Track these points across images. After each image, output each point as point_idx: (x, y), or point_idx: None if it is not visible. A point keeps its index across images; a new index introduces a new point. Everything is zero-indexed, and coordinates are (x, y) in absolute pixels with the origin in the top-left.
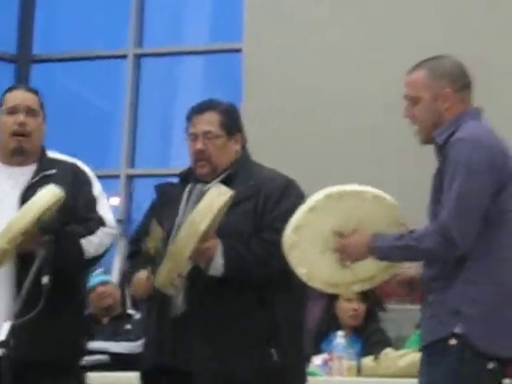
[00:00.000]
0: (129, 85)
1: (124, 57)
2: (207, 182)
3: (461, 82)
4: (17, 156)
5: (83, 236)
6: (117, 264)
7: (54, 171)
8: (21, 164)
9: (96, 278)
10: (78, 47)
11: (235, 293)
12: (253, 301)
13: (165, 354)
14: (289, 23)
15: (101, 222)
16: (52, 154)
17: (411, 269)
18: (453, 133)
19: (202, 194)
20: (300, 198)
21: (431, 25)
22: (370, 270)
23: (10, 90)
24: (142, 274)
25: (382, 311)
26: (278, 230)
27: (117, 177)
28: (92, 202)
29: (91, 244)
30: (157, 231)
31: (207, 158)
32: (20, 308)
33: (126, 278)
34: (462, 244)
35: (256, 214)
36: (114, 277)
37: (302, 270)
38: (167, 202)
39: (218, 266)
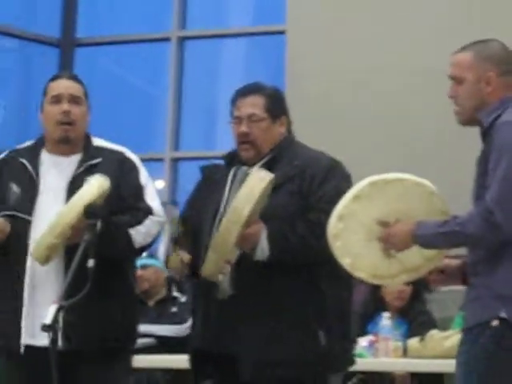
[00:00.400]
0: (172, 68)
1: (167, 39)
2: (252, 165)
3: (505, 66)
4: (62, 145)
5: (131, 226)
6: (162, 247)
7: (99, 160)
8: (66, 153)
9: (138, 261)
10: (121, 31)
11: (282, 275)
12: (299, 283)
13: (211, 338)
14: (332, 6)
15: (148, 211)
16: (98, 141)
17: (455, 260)
18: (498, 116)
19: (245, 177)
20: (346, 178)
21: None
22: (415, 260)
23: (53, 78)
24: (176, 257)
25: (427, 292)
26: (324, 211)
27: (162, 160)
28: (139, 190)
29: (139, 233)
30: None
31: (251, 141)
32: (66, 291)
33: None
34: (507, 227)
35: (301, 194)
36: (160, 259)
37: (346, 260)
38: (212, 184)
39: (263, 250)
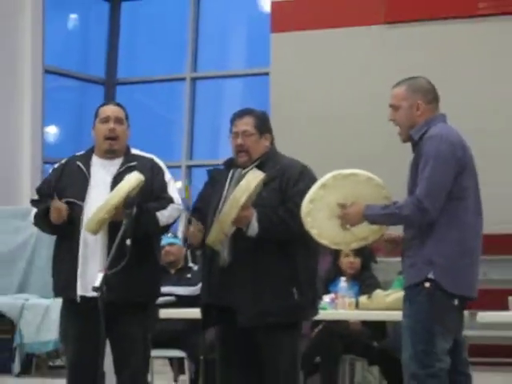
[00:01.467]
0: (187, 100)
1: (183, 79)
2: (245, 168)
3: (430, 95)
4: (108, 154)
5: (158, 210)
6: (180, 230)
7: (135, 163)
8: (111, 158)
9: (165, 239)
10: (149, 72)
11: (266, 248)
12: (280, 254)
13: (214, 295)
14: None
15: (171, 200)
16: (135, 151)
17: (395, 232)
18: (425, 132)
19: (241, 177)
20: (312, 179)
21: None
22: (364, 232)
23: (102, 105)
24: (194, 227)
25: (373, 262)
26: (297, 203)
27: (179, 167)
28: (164, 185)
29: (163, 216)
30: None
31: (245, 150)
32: (110, 262)
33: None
34: (433, 212)
35: (281, 190)
36: (179, 238)
37: (314, 231)
38: (216, 183)
39: (254, 228)
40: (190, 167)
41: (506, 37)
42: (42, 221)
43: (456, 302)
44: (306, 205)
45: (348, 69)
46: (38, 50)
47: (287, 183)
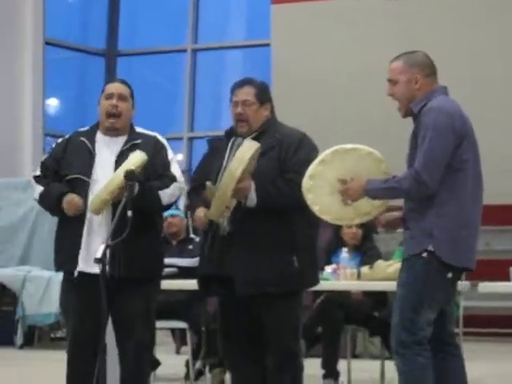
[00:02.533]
0: (188, 71)
1: (184, 51)
2: (245, 137)
3: (428, 69)
4: (111, 131)
5: (161, 189)
6: (182, 202)
7: (139, 141)
8: (115, 135)
9: (168, 211)
10: (151, 44)
11: (266, 218)
12: (279, 223)
13: (214, 264)
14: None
15: (173, 179)
16: (139, 129)
17: (395, 213)
18: (425, 104)
19: (239, 146)
20: (313, 148)
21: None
22: (366, 207)
23: (109, 81)
24: (200, 212)
25: (374, 233)
26: (296, 172)
27: (181, 139)
28: (167, 164)
29: (166, 195)
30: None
31: (245, 119)
32: (112, 234)
33: (189, 211)
34: (431, 185)
35: (279, 159)
36: (181, 210)
37: (315, 207)
38: (216, 152)
39: (252, 199)
40: (191, 139)
41: None
42: (53, 206)
43: (449, 275)
44: (306, 181)
45: (348, 39)
46: (39, 22)
47: (286, 152)
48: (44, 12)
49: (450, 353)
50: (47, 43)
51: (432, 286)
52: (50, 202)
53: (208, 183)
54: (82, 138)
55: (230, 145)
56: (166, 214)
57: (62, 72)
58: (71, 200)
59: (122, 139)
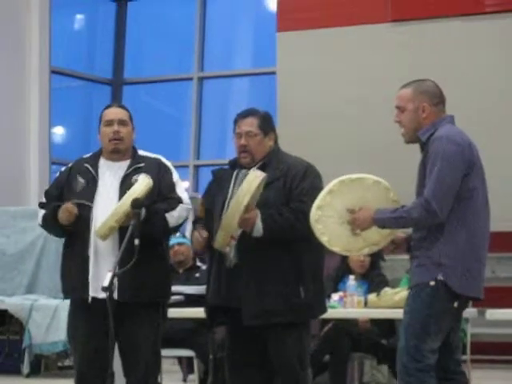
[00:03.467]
0: (194, 99)
1: (190, 79)
2: (249, 169)
3: (437, 98)
4: (114, 154)
5: (167, 211)
6: (188, 230)
7: (143, 164)
8: (118, 160)
9: (175, 239)
10: (157, 72)
11: (271, 248)
12: (285, 253)
13: (221, 295)
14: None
15: (179, 201)
16: (142, 152)
17: (400, 234)
18: (432, 133)
19: (244, 177)
20: (318, 177)
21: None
22: (374, 237)
23: (106, 107)
24: (197, 234)
25: (382, 260)
26: (302, 201)
27: (187, 166)
28: (172, 186)
29: (173, 217)
30: (200, 201)
31: (249, 151)
32: (119, 262)
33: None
34: (441, 213)
35: (285, 189)
36: (188, 238)
37: (324, 238)
38: (220, 182)
39: (258, 229)
40: (197, 167)
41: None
42: (51, 222)
43: (456, 304)
44: (314, 212)
45: (354, 67)
46: (45, 51)
47: (292, 182)
48: (50, 41)
49: (457, 380)
50: (53, 72)
51: (438, 314)
52: (49, 220)
53: (199, 200)
54: (86, 164)
55: (234, 176)
56: (172, 242)
57: (67, 101)
58: (65, 207)
59: (125, 163)
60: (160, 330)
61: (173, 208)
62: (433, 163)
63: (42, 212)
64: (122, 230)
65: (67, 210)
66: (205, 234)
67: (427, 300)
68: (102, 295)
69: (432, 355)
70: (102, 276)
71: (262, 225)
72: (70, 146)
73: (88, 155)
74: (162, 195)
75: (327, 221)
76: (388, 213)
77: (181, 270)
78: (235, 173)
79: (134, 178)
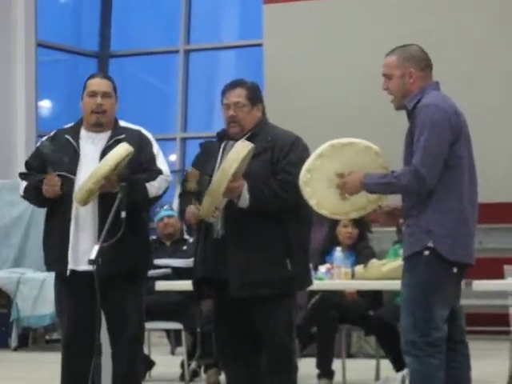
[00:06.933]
0: (181, 72)
1: (177, 52)
2: (237, 140)
3: (423, 63)
4: (96, 127)
5: (147, 181)
6: (176, 203)
7: (123, 136)
8: (99, 131)
9: (164, 212)
10: (143, 45)
11: (258, 219)
12: (272, 225)
13: (208, 267)
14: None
15: (159, 172)
16: (123, 123)
17: (392, 203)
18: (419, 100)
19: (232, 148)
20: (305, 150)
21: None
22: (362, 201)
23: (90, 77)
24: (191, 208)
25: (369, 232)
26: (289, 173)
27: (174, 139)
28: (152, 157)
29: (153, 187)
30: (194, 174)
31: (237, 121)
32: (105, 235)
33: (182, 212)
34: (430, 181)
35: (272, 161)
36: (175, 211)
37: (313, 201)
38: (208, 155)
39: (245, 200)
40: (184, 139)
41: None
42: (34, 194)
43: (455, 269)
44: (303, 174)
45: (340, 38)
46: (31, 24)
47: (279, 154)
48: (36, 13)
49: (460, 352)
50: (39, 45)
51: (439, 283)
52: (31, 192)
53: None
54: (67, 136)
55: (221, 148)
56: (162, 214)
57: (54, 74)
58: (49, 179)
59: (106, 135)
60: (143, 300)
61: (153, 179)
62: (420, 132)
63: (23, 183)
64: (101, 202)
65: (52, 183)
66: (199, 206)
67: (424, 269)
68: (82, 267)
69: (443, 324)
70: (82, 249)
71: (249, 195)
72: (57, 119)
73: (68, 125)
74: (143, 167)
75: (316, 184)
76: (377, 178)
77: (168, 243)
78: (223, 144)
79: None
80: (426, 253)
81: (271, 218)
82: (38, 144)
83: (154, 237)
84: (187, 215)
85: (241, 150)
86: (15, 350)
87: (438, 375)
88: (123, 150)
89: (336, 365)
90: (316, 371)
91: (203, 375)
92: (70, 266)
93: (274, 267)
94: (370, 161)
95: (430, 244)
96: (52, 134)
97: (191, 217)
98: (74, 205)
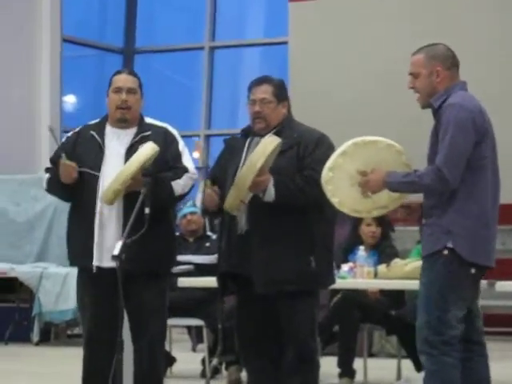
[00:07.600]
0: (205, 69)
1: (202, 48)
2: (262, 136)
3: (449, 62)
4: (121, 123)
5: (173, 180)
6: (199, 200)
7: (149, 133)
8: (125, 128)
9: (187, 208)
10: (169, 41)
11: (284, 215)
12: (296, 222)
13: (233, 263)
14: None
15: (185, 170)
16: (149, 120)
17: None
18: (445, 100)
19: (257, 144)
20: (330, 147)
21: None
22: (384, 200)
23: (116, 73)
24: (209, 190)
25: (392, 232)
26: (314, 170)
27: (198, 136)
28: (178, 155)
29: (178, 185)
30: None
31: (263, 117)
32: (129, 231)
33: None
34: (452, 181)
35: (298, 158)
36: (199, 207)
37: (335, 199)
38: (233, 151)
39: (270, 194)
40: (208, 136)
41: None
42: (55, 184)
43: (473, 270)
44: (326, 173)
45: (366, 36)
46: (57, 20)
47: (304, 151)
48: (61, 9)
49: (477, 352)
50: (65, 40)
51: (456, 283)
52: (54, 184)
53: (205, 180)
54: (92, 132)
55: (247, 144)
56: (185, 211)
57: (79, 69)
58: (63, 164)
59: (131, 131)
60: (166, 298)
61: (179, 177)
62: (445, 131)
63: (46, 176)
64: (126, 199)
65: (66, 166)
66: (216, 188)
67: (442, 270)
68: (107, 264)
69: (458, 324)
70: (106, 245)
71: (274, 189)
72: (81, 114)
73: (94, 122)
74: (168, 164)
75: (338, 182)
76: (400, 177)
77: (191, 240)
78: (248, 140)
79: (140, 146)
80: (445, 253)
81: (296, 215)
82: (63, 139)
83: (177, 233)
84: (206, 198)
85: (268, 144)
86: (37, 344)
87: (453, 373)
88: (150, 149)
89: (357, 364)
90: (337, 370)
91: (224, 372)
92: (95, 262)
93: (299, 264)
94: (392, 159)
95: (450, 244)
96: (77, 129)
97: (211, 201)
98: (99, 202)
